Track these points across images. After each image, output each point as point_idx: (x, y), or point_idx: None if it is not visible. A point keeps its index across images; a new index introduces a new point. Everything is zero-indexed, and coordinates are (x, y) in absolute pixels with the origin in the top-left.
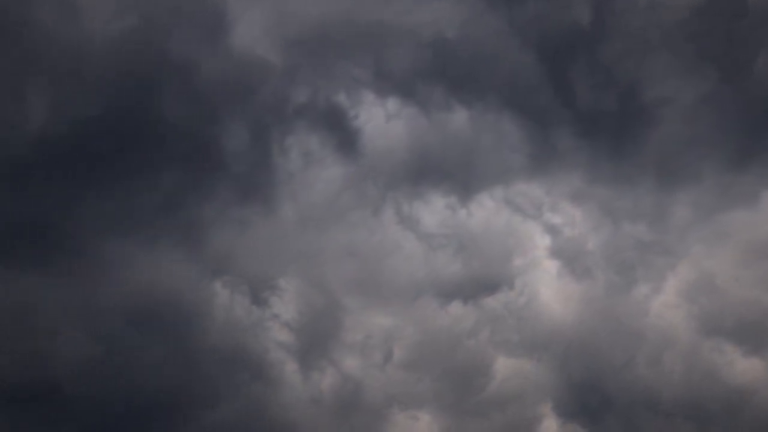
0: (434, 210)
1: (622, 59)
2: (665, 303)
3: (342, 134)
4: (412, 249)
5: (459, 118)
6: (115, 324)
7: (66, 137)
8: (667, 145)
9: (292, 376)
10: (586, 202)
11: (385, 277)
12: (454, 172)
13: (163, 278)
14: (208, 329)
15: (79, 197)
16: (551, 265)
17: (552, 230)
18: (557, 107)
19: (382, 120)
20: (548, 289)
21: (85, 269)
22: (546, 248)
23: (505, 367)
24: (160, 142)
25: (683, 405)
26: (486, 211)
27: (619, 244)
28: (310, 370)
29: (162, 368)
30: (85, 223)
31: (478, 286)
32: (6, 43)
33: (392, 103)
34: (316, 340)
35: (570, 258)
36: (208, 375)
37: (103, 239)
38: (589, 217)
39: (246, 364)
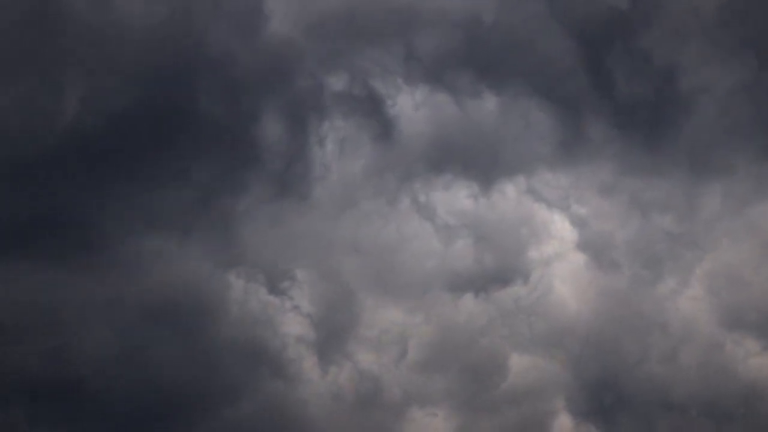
0: (454, 200)
1: (659, 46)
2: (691, 297)
3: (376, 123)
4: (430, 240)
5: (488, 104)
6: (139, 320)
7: (98, 130)
8: (701, 134)
9: (311, 371)
10: (614, 193)
11: (401, 268)
12: (478, 161)
13: (191, 274)
14: (234, 324)
15: (109, 191)
16: (575, 258)
17: (576, 221)
18: (592, 95)
19: (410, 107)
20: (569, 283)
21: (113, 265)
22: (569, 240)
23: (521, 363)
24: (194, 135)
25: (700, 401)
26: (508, 201)
27: (647, 236)
28: (329, 365)
29: (183, 364)
30: (114, 218)
31: (495, 279)
32: (42, 35)
33: (421, 90)
34: (334, 334)
35: (595, 250)
36: (227, 370)
37: (132, 235)
38: (618, 208)
39: (264, 358)
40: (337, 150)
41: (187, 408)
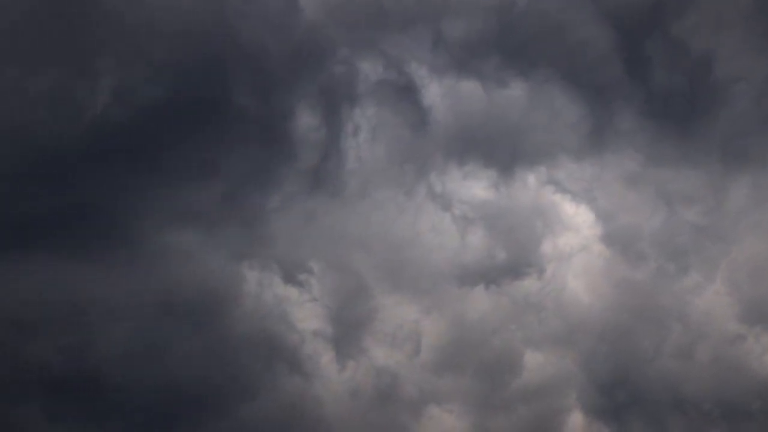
0: (473, 190)
1: (695, 34)
2: (714, 291)
3: (407, 113)
4: (447, 231)
5: (515, 91)
6: (160, 316)
7: (127, 122)
8: (735, 124)
9: (328, 366)
10: (640, 184)
11: (418, 262)
12: (500, 150)
13: (214, 271)
14: (255, 320)
15: (135, 185)
16: (596, 251)
17: (599, 213)
18: (624, 83)
19: (436, 96)
20: (589, 277)
21: (136, 260)
22: (590, 232)
23: (535, 359)
24: (224, 127)
25: (716, 398)
26: (528, 192)
27: (672, 229)
28: (345, 361)
29: (202, 359)
30: (139, 212)
31: (512, 273)
32: (75, 25)
33: (448, 78)
34: (350, 329)
35: (617, 243)
36: (245, 366)
37: (156, 230)
38: (643, 200)
39: (282, 354)
40: (369, 140)
41: (206, 404)
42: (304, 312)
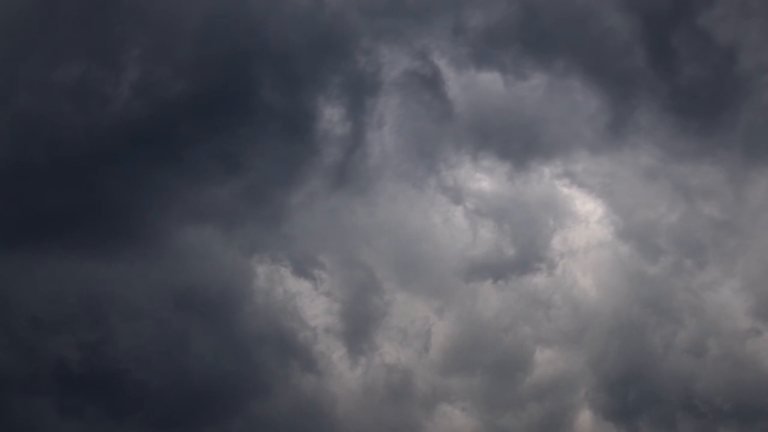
0: (487, 184)
1: (721, 25)
2: (731, 287)
3: (429, 105)
4: (459, 226)
5: (535, 81)
6: (177, 312)
7: (148, 118)
8: (758, 118)
9: (340, 362)
10: (659, 179)
11: (430, 255)
12: (516, 143)
13: (232, 267)
14: (267, 316)
15: (155, 181)
16: (611, 246)
17: (615, 208)
18: (647, 74)
19: (456, 87)
20: (604, 272)
21: (154, 257)
22: (605, 227)
23: (546, 356)
24: (246, 124)
25: (728, 397)
26: (542, 186)
27: (690, 224)
28: (357, 357)
29: (218, 356)
30: (159, 208)
31: (523, 268)
32: (99, 20)
33: (467, 69)
34: (362, 325)
35: (633, 238)
36: (260, 362)
37: (176, 226)
38: (661, 195)
39: (293, 349)
40: (393, 134)
41: (220, 400)
42: (315, 307)
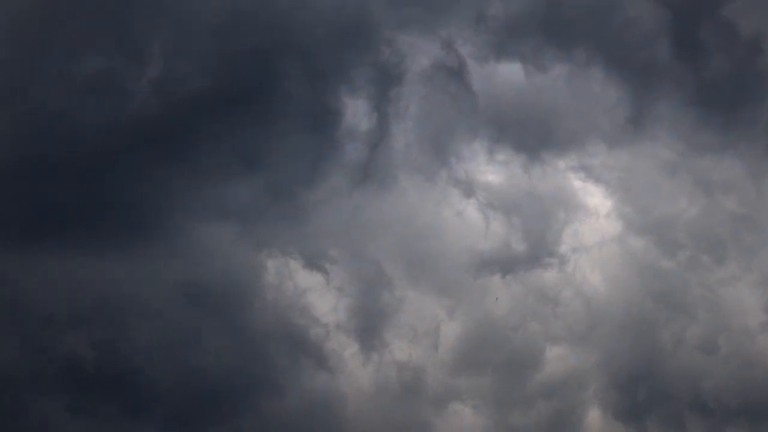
0: (501, 178)
1: (745, 16)
2: (749, 282)
3: (453, 95)
4: (471, 219)
5: (556, 73)
6: (190, 310)
7: (171, 113)
8: None
9: (351, 360)
10: (679, 173)
11: (440, 250)
12: (532, 135)
13: (250, 265)
14: (279, 314)
15: (175, 180)
16: (624, 241)
17: (630, 202)
18: (672, 67)
19: (480, 77)
20: (617, 268)
21: (169, 254)
22: (619, 222)
23: (556, 353)
24: (267, 120)
25: (737, 396)
26: (556, 179)
27: (709, 218)
28: (368, 355)
29: (231, 353)
30: (175, 206)
31: (533, 263)
32: (122, 13)
33: (490, 59)
34: (372, 322)
35: (648, 233)
36: (270, 360)
37: (191, 224)
38: (680, 189)
39: (305, 346)
40: (417, 128)
41: (232, 399)
42: (326, 304)
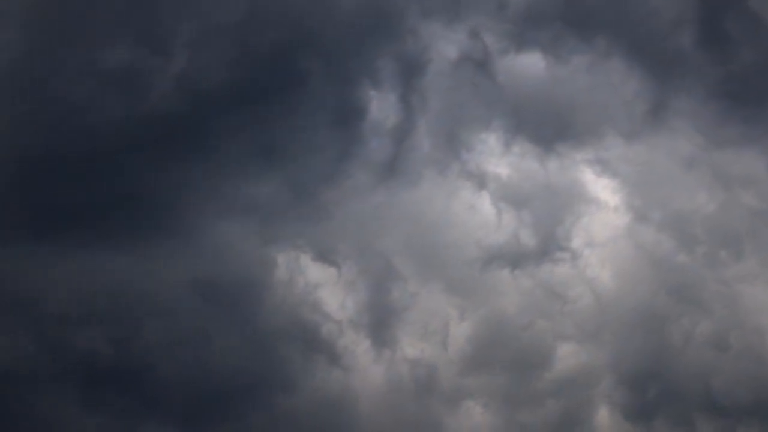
0: (516, 170)
1: None
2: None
3: (480, 89)
4: (483, 213)
5: (577, 63)
6: (203, 307)
7: (194, 107)
8: None
9: (363, 357)
10: (697, 167)
11: (452, 244)
12: (549, 128)
13: (267, 262)
14: (292, 310)
15: (195, 175)
16: (639, 236)
17: (645, 196)
18: (695, 57)
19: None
20: (632, 263)
21: (186, 251)
22: (633, 216)
23: (567, 350)
24: (287, 115)
25: (749, 397)
26: (570, 172)
27: (728, 213)
28: (380, 352)
29: (244, 350)
30: (199, 203)
31: (545, 258)
32: (146, 6)
33: (511, 49)
34: (383, 318)
35: (664, 228)
36: (283, 356)
37: (209, 221)
38: (699, 184)
39: (321, 346)
40: (441, 120)
41: (245, 396)
42: (337, 299)
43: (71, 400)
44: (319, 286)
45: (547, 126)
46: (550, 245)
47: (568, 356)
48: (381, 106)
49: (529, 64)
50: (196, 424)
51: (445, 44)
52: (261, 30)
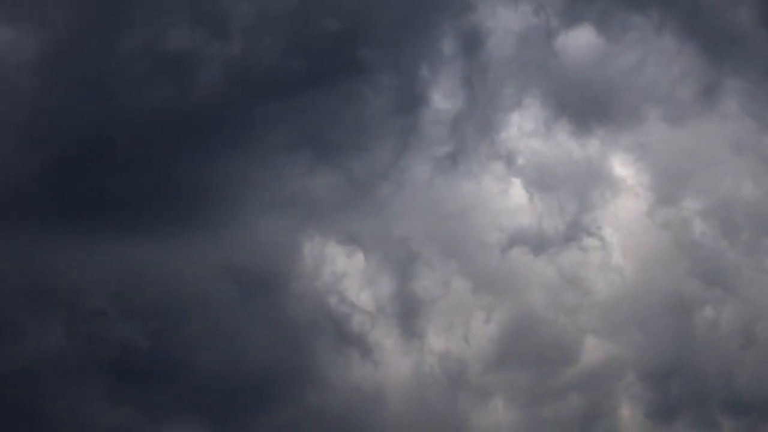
0: (549, 152)
1: None
2: None
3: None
4: (514, 196)
5: (628, 41)
6: (237, 300)
7: (245, 96)
8: None
9: (392, 349)
10: (746, 152)
11: (478, 231)
12: (591, 109)
13: (307, 256)
14: (321, 302)
15: (241, 166)
16: (679, 225)
17: (687, 183)
18: (753, 35)
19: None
20: (665, 253)
21: (223, 243)
22: (671, 203)
23: (593, 343)
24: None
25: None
26: (608, 157)
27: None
28: (408, 343)
29: (276, 343)
30: (244, 195)
31: (572, 244)
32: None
33: (564, 27)
34: (411, 310)
35: (707, 216)
36: (313, 349)
37: (261, 216)
38: (746, 170)
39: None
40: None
41: (276, 390)
42: (366, 291)
43: (101, 394)
44: (345, 275)
45: (589, 107)
46: (577, 231)
47: (592, 350)
48: (443, 89)
49: (578, 41)
50: (226, 418)
51: (509, 19)
52: (317, 17)
